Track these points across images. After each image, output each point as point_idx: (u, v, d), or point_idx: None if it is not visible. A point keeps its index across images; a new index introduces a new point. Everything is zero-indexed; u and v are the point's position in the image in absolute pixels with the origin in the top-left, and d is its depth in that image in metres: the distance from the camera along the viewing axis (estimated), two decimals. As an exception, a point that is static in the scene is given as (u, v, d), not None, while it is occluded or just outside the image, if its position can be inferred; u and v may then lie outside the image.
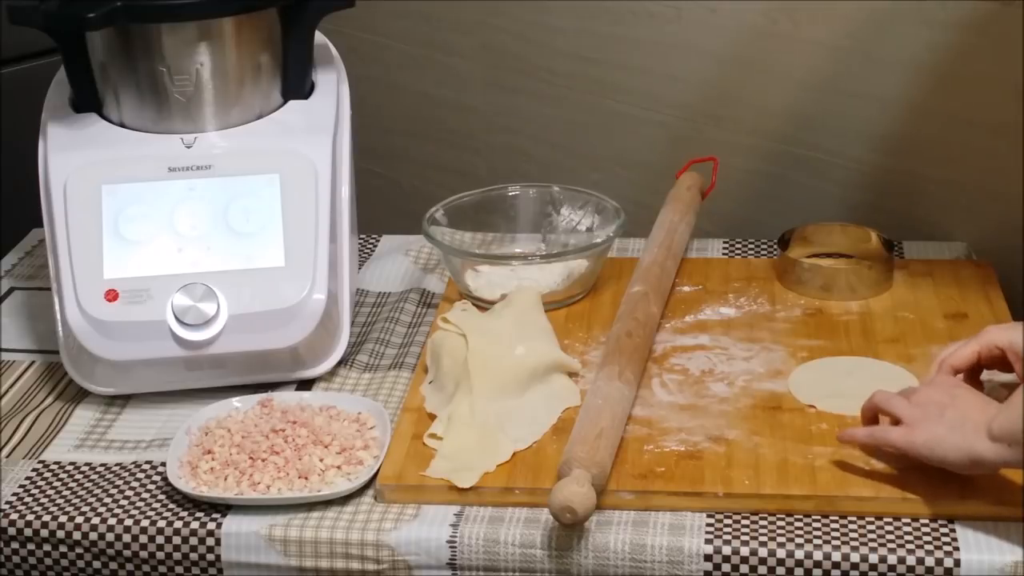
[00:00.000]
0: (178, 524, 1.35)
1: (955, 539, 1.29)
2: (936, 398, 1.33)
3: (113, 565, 1.36)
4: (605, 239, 1.68)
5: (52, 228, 1.53)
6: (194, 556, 1.35)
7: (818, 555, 1.28)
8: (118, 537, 1.35)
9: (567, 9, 2.19)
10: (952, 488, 1.33)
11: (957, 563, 1.27)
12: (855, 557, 1.28)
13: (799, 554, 1.28)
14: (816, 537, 1.30)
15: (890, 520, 1.32)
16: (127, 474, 1.43)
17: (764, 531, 1.31)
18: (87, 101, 1.58)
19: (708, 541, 1.30)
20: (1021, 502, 1.31)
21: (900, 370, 1.52)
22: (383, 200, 2.42)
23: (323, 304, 1.51)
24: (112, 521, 1.36)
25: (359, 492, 1.38)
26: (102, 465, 1.44)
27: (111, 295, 1.49)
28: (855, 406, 1.42)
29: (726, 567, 1.29)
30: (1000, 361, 1.41)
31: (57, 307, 1.52)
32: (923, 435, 1.31)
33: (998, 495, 1.32)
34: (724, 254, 1.81)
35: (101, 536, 1.35)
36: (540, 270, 1.67)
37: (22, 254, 1.87)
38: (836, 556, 1.28)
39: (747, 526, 1.31)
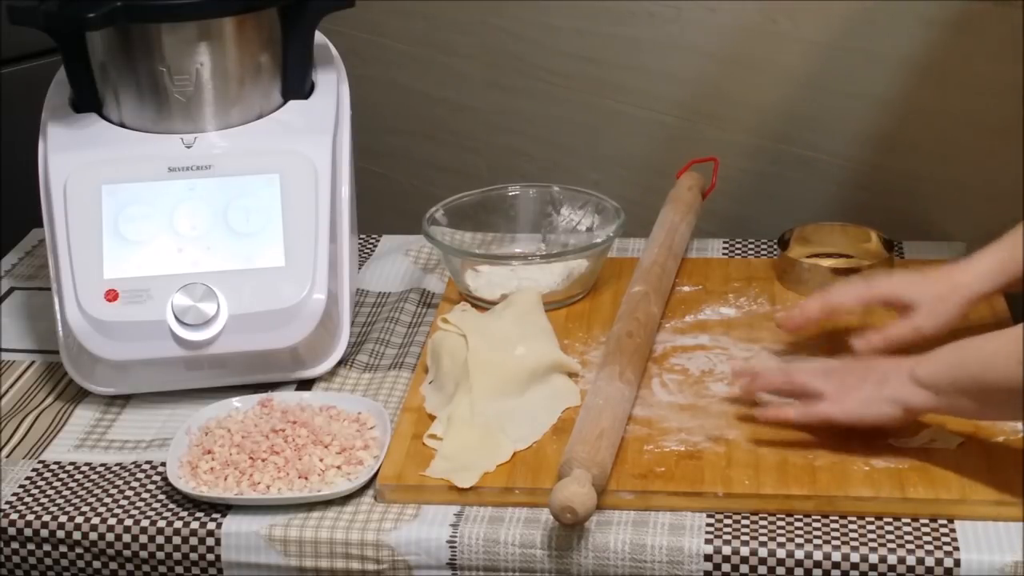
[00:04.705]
0: (178, 524, 1.35)
1: (955, 539, 1.29)
2: (852, 368, 1.39)
3: (113, 565, 1.36)
4: (605, 239, 1.68)
5: (52, 228, 1.53)
6: (194, 556, 1.35)
7: (818, 555, 1.28)
8: (118, 537, 1.35)
9: (567, 9, 2.19)
10: (952, 488, 1.33)
11: (957, 563, 1.27)
12: (855, 557, 1.28)
13: (799, 554, 1.28)
14: (816, 537, 1.30)
15: (890, 520, 1.32)
16: (127, 474, 1.43)
17: (764, 531, 1.31)
18: (87, 101, 1.58)
19: (708, 541, 1.30)
20: (1021, 502, 1.31)
21: None
22: (383, 200, 2.42)
23: (323, 304, 1.51)
24: (112, 521, 1.36)
25: (359, 492, 1.38)
26: (102, 465, 1.44)
27: (111, 295, 1.49)
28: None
29: (726, 567, 1.29)
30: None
31: (57, 307, 1.52)
32: (853, 401, 1.36)
33: (998, 495, 1.32)
34: (724, 254, 1.81)
35: (101, 536, 1.35)
36: (540, 270, 1.67)
37: (22, 254, 1.87)
38: (836, 556, 1.28)
39: (747, 526, 1.31)
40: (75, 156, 1.54)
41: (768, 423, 1.41)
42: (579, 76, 2.22)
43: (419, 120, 2.46)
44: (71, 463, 1.45)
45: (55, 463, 1.45)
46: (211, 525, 1.35)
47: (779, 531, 1.31)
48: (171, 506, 1.38)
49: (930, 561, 1.27)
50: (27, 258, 1.86)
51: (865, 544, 1.29)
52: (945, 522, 1.31)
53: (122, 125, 1.58)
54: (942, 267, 1.52)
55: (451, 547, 1.32)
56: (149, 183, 1.53)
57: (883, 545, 1.29)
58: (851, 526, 1.31)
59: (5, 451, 1.47)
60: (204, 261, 1.51)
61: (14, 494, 1.40)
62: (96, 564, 1.36)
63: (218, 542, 1.34)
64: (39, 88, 1.64)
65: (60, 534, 1.36)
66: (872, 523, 1.31)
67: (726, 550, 1.29)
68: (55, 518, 1.36)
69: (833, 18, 1.94)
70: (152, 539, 1.35)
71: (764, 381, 1.44)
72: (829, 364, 1.43)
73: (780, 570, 1.28)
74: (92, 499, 1.39)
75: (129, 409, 1.53)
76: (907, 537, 1.30)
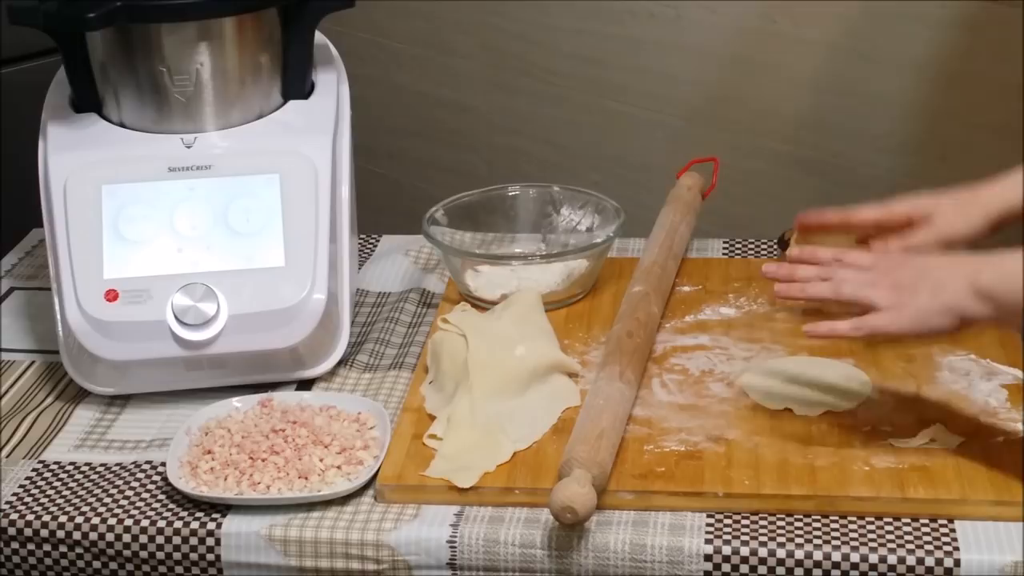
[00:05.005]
0: (178, 524, 1.35)
1: (955, 539, 1.29)
2: (905, 274, 1.31)
3: (113, 565, 1.36)
4: (605, 239, 1.68)
5: (52, 228, 1.53)
6: (194, 556, 1.35)
7: (818, 555, 1.28)
8: (118, 537, 1.35)
9: (567, 9, 2.19)
10: (952, 488, 1.33)
11: (957, 563, 1.27)
12: (855, 557, 1.28)
13: (799, 554, 1.28)
14: (816, 537, 1.30)
15: (890, 520, 1.32)
16: (127, 474, 1.43)
17: (764, 531, 1.31)
18: (87, 101, 1.58)
19: (708, 541, 1.30)
20: (1021, 502, 1.31)
21: (849, 367, 1.52)
22: (383, 200, 2.42)
23: (323, 304, 1.51)
24: (112, 521, 1.36)
25: (359, 492, 1.38)
26: (102, 465, 1.44)
27: (111, 295, 1.49)
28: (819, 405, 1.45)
29: (726, 567, 1.29)
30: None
31: (57, 307, 1.52)
32: (909, 313, 1.29)
33: (998, 495, 1.32)
34: (724, 254, 1.81)
35: (101, 536, 1.35)
36: (540, 270, 1.67)
37: (22, 254, 1.87)
38: (836, 556, 1.28)
39: (747, 526, 1.31)
40: (75, 156, 1.54)
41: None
42: (579, 76, 2.22)
43: (419, 120, 2.46)
44: (71, 463, 1.45)
45: (55, 463, 1.45)
46: (211, 525, 1.35)
47: (779, 531, 1.31)
48: (171, 506, 1.38)
49: (930, 561, 1.27)
50: (27, 258, 1.86)
51: (865, 544, 1.29)
52: (945, 522, 1.31)
53: (122, 125, 1.58)
54: (967, 186, 1.45)
55: (451, 547, 1.32)
56: (149, 183, 1.53)
57: (883, 545, 1.29)
58: (851, 526, 1.31)
59: (5, 451, 1.47)
60: (204, 261, 1.51)
61: (14, 494, 1.40)
62: (96, 564, 1.36)
63: (218, 542, 1.34)
64: (39, 88, 1.64)
65: (60, 534, 1.36)
66: (872, 523, 1.31)
67: (726, 550, 1.29)
68: (55, 518, 1.36)
69: (833, 18, 1.94)
70: (152, 539, 1.35)
71: (806, 291, 1.36)
72: (876, 265, 1.33)
73: (780, 570, 1.28)
74: (92, 499, 1.39)
75: (129, 409, 1.53)
76: (907, 537, 1.30)
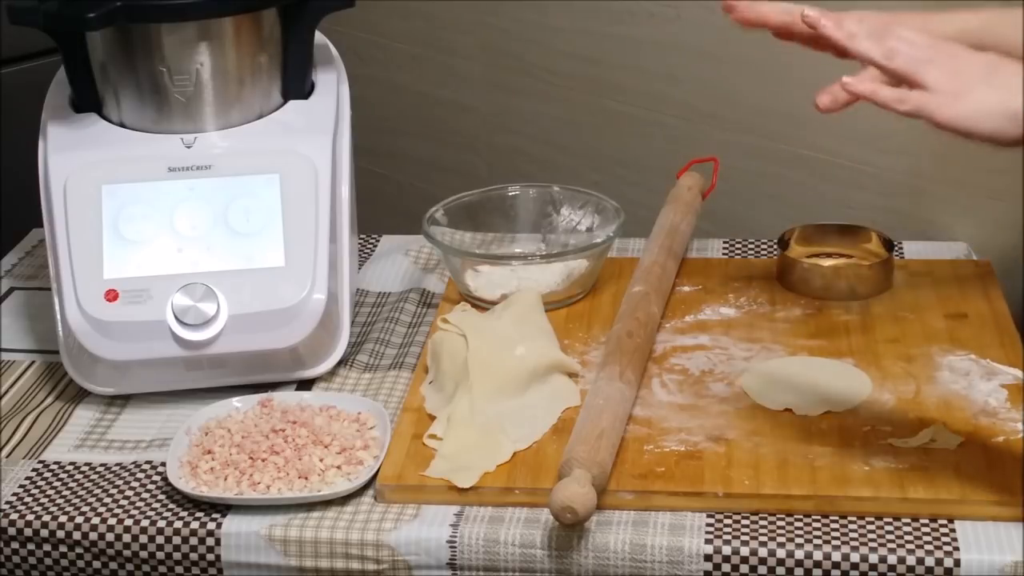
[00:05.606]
0: (178, 524, 1.35)
1: (955, 539, 1.29)
2: (971, 64, 1.15)
3: (113, 565, 1.36)
4: (605, 239, 1.68)
5: (52, 228, 1.53)
6: (194, 556, 1.35)
7: (818, 555, 1.28)
8: (118, 537, 1.35)
9: (567, 9, 2.19)
10: (952, 488, 1.33)
11: (957, 563, 1.27)
12: (855, 557, 1.28)
13: (799, 554, 1.28)
14: (816, 537, 1.30)
15: (890, 520, 1.32)
16: (127, 474, 1.43)
17: (764, 531, 1.31)
18: (87, 101, 1.58)
19: (708, 541, 1.30)
20: (1021, 502, 1.31)
21: (849, 367, 1.53)
22: (383, 200, 2.42)
23: (323, 304, 1.51)
24: (112, 521, 1.36)
25: (359, 492, 1.38)
26: (102, 465, 1.44)
27: (111, 295, 1.49)
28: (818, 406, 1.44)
29: (726, 567, 1.29)
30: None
31: (57, 307, 1.52)
32: (967, 105, 1.14)
33: (998, 495, 1.32)
34: (724, 254, 1.81)
35: (101, 536, 1.35)
36: (540, 270, 1.67)
37: (22, 254, 1.87)
38: (836, 556, 1.28)
39: (747, 526, 1.31)
40: (75, 156, 1.54)
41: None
42: (579, 76, 2.22)
43: (419, 120, 2.46)
44: (71, 463, 1.45)
45: (55, 463, 1.45)
46: (211, 525, 1.35)
47: (779, 531, 1.31)
48: (171, 506, 1.38)
49: (930, 561, 1.27)
50: (27, 258, 1.86)
51: (865, 544, 1.29)
52: (945, 522, 1.31)
53: (122, 125, 1.58)
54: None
55: (451, 547, 1.32)
56: (149, 183, 1.53)
57: (883, 545, 1.29)
58: (851, 526, 1.31)
59: (5, 451, 1.47)
60: (204, 261, 1.51)
61: (14, 494, 1.40)
62: (96, 564, 1.36)
63: (218, 542, 1.34)
64: (39, 88, 1.64)
65: (60, 534, 1.36)
66: (872, 523, 1.31)
67: (726, 550, 1.29)
68: (55, 518, 1.36)
69: (833, 18, 1.94)
70: (152, 539, 1.35)
71: (857, 42, 1.18)
72: (935, 46, 1.16)
73: (780, 570, 1.28)
74: (92, 499, 1.39)
75: (129, 409, 1.53)
76: (907, 537, 1.30)
